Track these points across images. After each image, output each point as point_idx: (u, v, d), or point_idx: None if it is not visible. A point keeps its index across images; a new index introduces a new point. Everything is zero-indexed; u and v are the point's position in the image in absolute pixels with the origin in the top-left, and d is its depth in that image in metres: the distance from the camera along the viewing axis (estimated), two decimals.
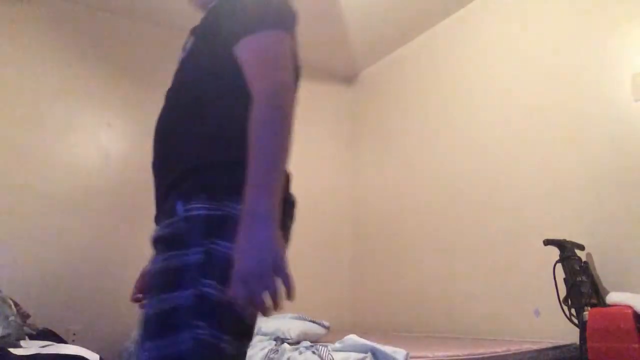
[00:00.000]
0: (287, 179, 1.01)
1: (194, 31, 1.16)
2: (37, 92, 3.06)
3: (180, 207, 0.93)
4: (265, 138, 0.90)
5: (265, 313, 0.83)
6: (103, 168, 3.19)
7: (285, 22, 1.04)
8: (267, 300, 0.81)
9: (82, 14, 3.28)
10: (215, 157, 0.98)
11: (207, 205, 0.92)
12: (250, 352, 2.33)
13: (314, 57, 3.91)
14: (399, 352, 1.86)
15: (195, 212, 0.91)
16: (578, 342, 2.13)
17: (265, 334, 2.49)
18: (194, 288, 0.87)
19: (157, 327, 0.88)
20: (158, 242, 0.97)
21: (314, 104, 4.06)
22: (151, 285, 0.95)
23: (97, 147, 3.20)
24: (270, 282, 0.81)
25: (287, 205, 1.00)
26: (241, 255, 0.82)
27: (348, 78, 4.36)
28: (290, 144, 0.93)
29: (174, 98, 1.11)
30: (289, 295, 0.84)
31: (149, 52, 3.46)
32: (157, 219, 1.03)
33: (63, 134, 3.10)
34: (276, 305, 0.83)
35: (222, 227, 0.90)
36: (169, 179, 1.00)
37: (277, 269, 0.81)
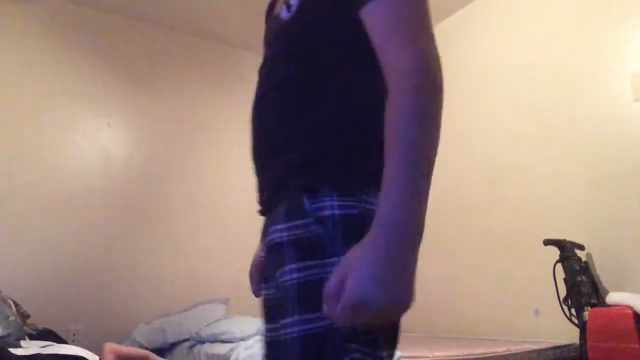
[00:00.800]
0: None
1: None
2: (37, 92, 3.06)
3: (308, 204, 0.76)
4: (409, 128, 0.69)
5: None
6: (103, 168, 3.19)
7: None
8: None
9: (82, 14, 3.28)
10: (344, 140, 0.79)
11: (339, 202, 0.75)
12: (249, 352, 2.33)
13: None
14: None
15: (328, 212, 0.75)
16: (578, 342, 2.13)
17: None
18: None
19: (304, 355, 0.72)
20: (284, 246, 0.78)
21: None
22: (285, 301, 0.76)
23: (97, 147, 3.20)
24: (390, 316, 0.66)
25: None
26: (361, 274, 0.64)
27: None
28: (439, 135, 0.72)
29: (278, 71, 0.88)
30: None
31: (149, 52, 3.46)
32: (267, 215, 0.87)
33: (63, 134, 3.10)
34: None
35: (362, 228, 0.73)
36: (284, 169, 0.80)
37: (397, 305, 0.64)
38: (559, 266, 2.30)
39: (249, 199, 3.70)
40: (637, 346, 1.90)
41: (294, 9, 0.87)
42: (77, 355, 1.89)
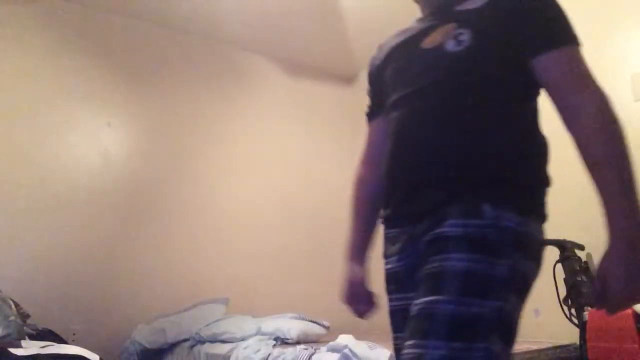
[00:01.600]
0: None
1: (466, 22, 1.02)
2: (37, 92, 3.06)
3: (489, 211, 0.92)
4: (611, 159, 0.90)
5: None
6: (103, 168, 3.19)
7: (578, 37, 1.01)
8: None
9: (82, 14, 3.28)
10: (522, 171, 0.99)
11: (515, 219, 0.92)
12: (249, 351, 2.33)
13: (314, 57, 3.91)
14: (381, 352, 1.84)
15: (505, 223, 0.91)
16: (578, 342, 2.13)
17: (264, 334, 2.49)
18: (499, 302, 0.88)
19: (452, 330, 0.85)
20: (456, 238, 0.92)
21: (314, 104, 4.06)
22: (443, 281, 0.89)
23: (97, 147, 3.20)
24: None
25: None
26: (619, 276, 0.85)
27: (348, 78, 4.36)
28: (630, 153, 0.91)
29: (450, 98, 1.00)
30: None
31: (149, 52, 3.46)
32: (415, 219, 1.00)
33: (63, 134, 3.10)
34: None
35: (527, 244, 0.94)
36: (463, 183, 0.96)
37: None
38: (559, 266, 2.30)
39: (248, 199, 3.70)
40: (637, 346, 1.90)
41: (466, 43, 0.99)
42: (77, 355, 1.89)
